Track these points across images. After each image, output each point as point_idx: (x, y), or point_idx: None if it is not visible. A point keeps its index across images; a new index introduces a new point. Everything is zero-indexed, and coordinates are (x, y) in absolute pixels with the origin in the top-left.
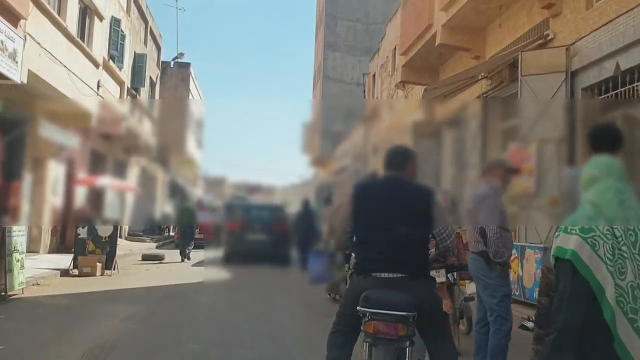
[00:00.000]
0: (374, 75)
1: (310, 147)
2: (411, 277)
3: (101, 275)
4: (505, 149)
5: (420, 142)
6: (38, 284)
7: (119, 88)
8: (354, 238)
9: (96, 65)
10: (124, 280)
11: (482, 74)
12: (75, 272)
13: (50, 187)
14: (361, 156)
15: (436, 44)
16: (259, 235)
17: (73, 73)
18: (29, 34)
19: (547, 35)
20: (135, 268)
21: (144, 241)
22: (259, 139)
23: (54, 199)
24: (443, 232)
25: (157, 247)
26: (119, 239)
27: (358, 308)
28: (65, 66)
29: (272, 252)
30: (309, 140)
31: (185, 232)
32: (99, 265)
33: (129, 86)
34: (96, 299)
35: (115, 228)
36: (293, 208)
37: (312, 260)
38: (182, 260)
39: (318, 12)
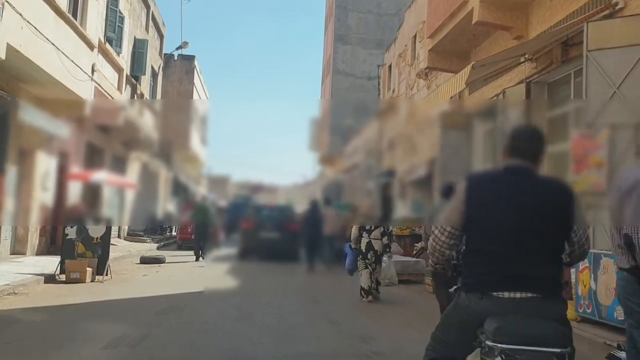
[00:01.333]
0: (389, 67)
1: (319, 144)
2: (546, 297)
3: (92, 281)
4: (559, 138)
5: (448, 135)
6: (15, 293)
7: (117, 75)
8: (465, 246)
9: (90, 47)
10: (116, 289)
11: (526, 56)
12: (63, 277)
13: (39, 182)
14: (375, 152)
15: (473, 22)
16: (271, 233)
17: (63, 53)
18: (7, 2)
19: (616, 4)
20: (132, 273)
21: (144, 241)
22: (265, 135)
23: (43, 195)
24: (582, 236)
25: (158, 248)
26: (117, 240)
27: (488, 344)
28: (53, 44)
29: (283, 248)
30: (317, 136)
31: (199, 231)
32: (89, 270)
33: (129, 73)
34: (79, 314)
35: (109, 228)
36: (299, 208)
37: (349, 254)
38: (197, 260)
39: (328, 3)
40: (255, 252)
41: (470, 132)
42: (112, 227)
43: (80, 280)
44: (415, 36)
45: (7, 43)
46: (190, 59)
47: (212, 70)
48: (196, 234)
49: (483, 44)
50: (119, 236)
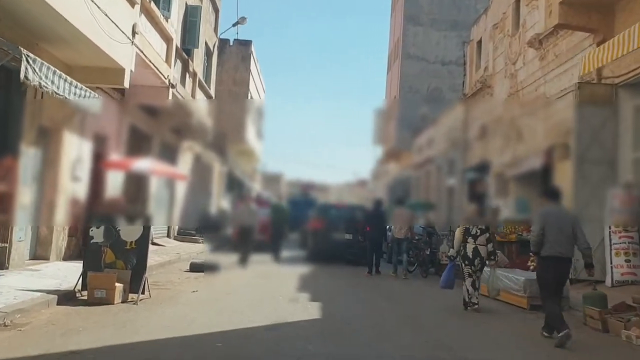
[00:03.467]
0: (479, 42)
1: (384, 137)
2: None
3: (122, 302)
4: None
5: (587, 112)
6: (5, 325)
7: (165, 45)
8: None
9: (131, 2)
10: (153, 317)
11: None
12: (85, 295)
13: (67, 170)
14: (460, 143)
15: None
16: (343, 234)
17: (94, 2)
18: None
19: None
20: (178, 286)
21: (196, 242)
22: (323, 129)
23: (73, 187)
24: None
25: (211, 251)
26: (166, 240)
27: None
28: None
29: (356, 251)
30: (382, 129)
31: (276, 231)
32: (118, 286)
33: (179, 45)
34: None
35: (147, 229)
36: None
37: (448, 268)
38: (276, 260)
39: None
40: (326, 254)
41: (616, 108)
42: (158, 227)
43: (107, 301)
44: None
45: None
46: (246, 44)
47: (269, 67)
48: (273, 234)
49: None
50: (168, 235)
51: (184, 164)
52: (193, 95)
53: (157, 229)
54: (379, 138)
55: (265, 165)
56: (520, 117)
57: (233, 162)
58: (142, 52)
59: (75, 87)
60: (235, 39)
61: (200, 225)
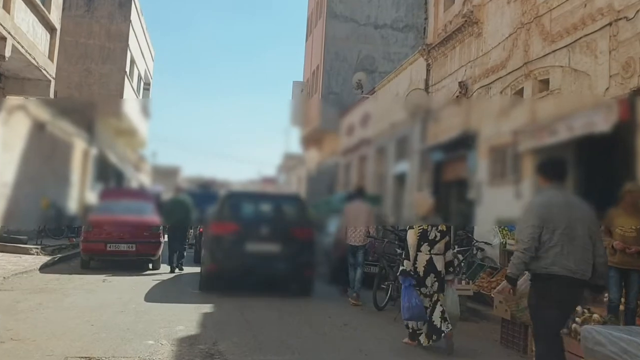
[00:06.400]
0: None
1: (306, 117)
2: None
3: None
4: None
5: None
6: None
7: None
8: None
9: None
10: None
11: None
12: None
13: None
14: (419, 112)
15: None
16: (265, 244)
17: None
18: None
19: None
20: None
21: (26, 252)
22: (226, 107)
23: None
24: None
25: (42, 269)
26: None
27: None
28: None
29: (287, 273)
30: (302, 106)
31: (175, 234)
32: None
33: None
34: None
35: None
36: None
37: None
38: (172, 271)
39: None
40: (235, 278)
41: None
42: None
43: None
44: None
45: None
46: None
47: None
48: (169, 237)
49: None
50: None
51: (10, 132)
52: (7, 9)
53: None
54: (297, 118)
55: (155, 154)
56: (547, 56)
57: (106, 143)
58: None
59: None
60: None
61: (43, 227)
